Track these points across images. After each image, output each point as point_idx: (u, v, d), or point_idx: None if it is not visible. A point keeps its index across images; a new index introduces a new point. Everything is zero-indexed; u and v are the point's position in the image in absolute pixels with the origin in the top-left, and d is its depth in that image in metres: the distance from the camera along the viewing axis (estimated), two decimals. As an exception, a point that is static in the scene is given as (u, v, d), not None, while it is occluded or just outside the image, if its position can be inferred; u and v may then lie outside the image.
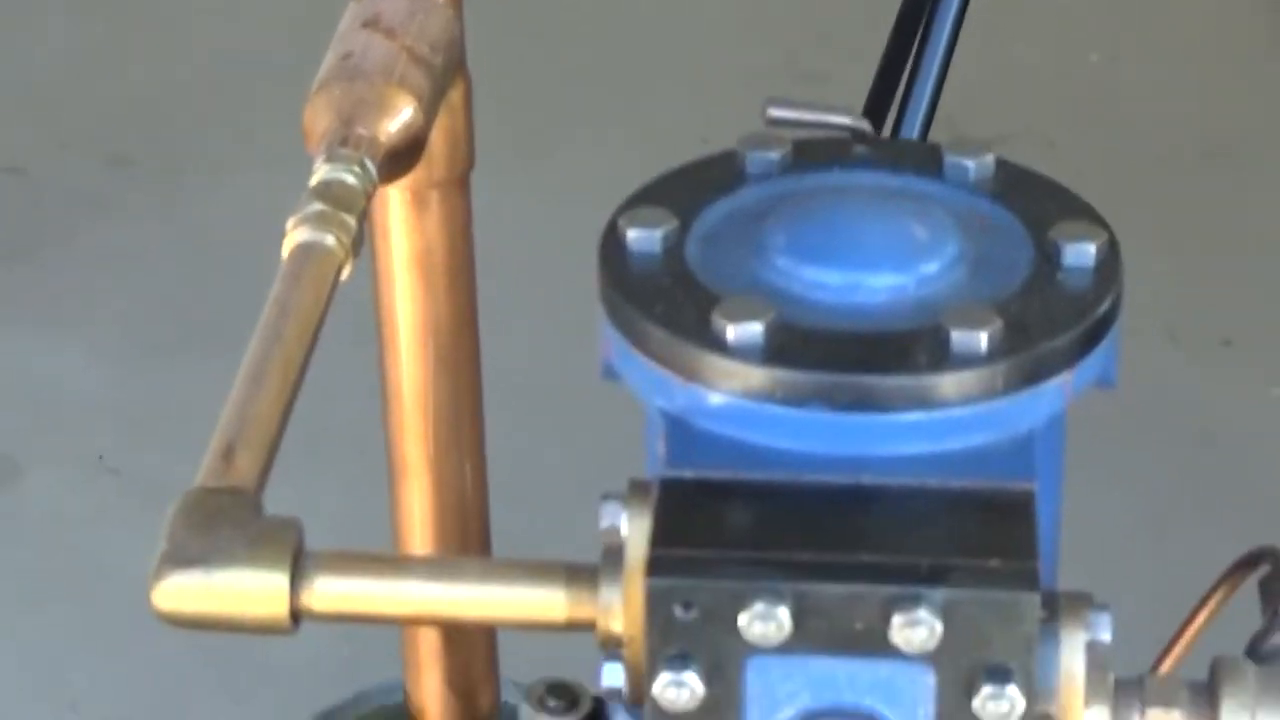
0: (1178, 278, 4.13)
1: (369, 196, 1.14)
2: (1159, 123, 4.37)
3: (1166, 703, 0.95)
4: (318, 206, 1.11)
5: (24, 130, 4.67)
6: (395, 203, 1.37)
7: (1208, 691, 0.95)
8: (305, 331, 1.06)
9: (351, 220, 1.12)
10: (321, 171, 1.14)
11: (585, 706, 1.09)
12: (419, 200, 1.37)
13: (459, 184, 1.38)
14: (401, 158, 1.20)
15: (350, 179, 1.14)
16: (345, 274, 1.11)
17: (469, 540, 1.45)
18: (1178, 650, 1.12)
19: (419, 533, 1.44)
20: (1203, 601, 1.14)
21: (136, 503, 3.69)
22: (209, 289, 3.73)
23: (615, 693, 0.97)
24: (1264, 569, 1.08)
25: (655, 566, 0.88)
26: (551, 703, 1.09)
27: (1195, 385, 3.78)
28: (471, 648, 1.47)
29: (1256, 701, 0.94)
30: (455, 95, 1.35)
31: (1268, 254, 4.24)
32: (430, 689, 1.48)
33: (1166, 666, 1.13)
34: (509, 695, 1.48)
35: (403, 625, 1.21)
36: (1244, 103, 4.60)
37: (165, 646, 3.62)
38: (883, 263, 0.98)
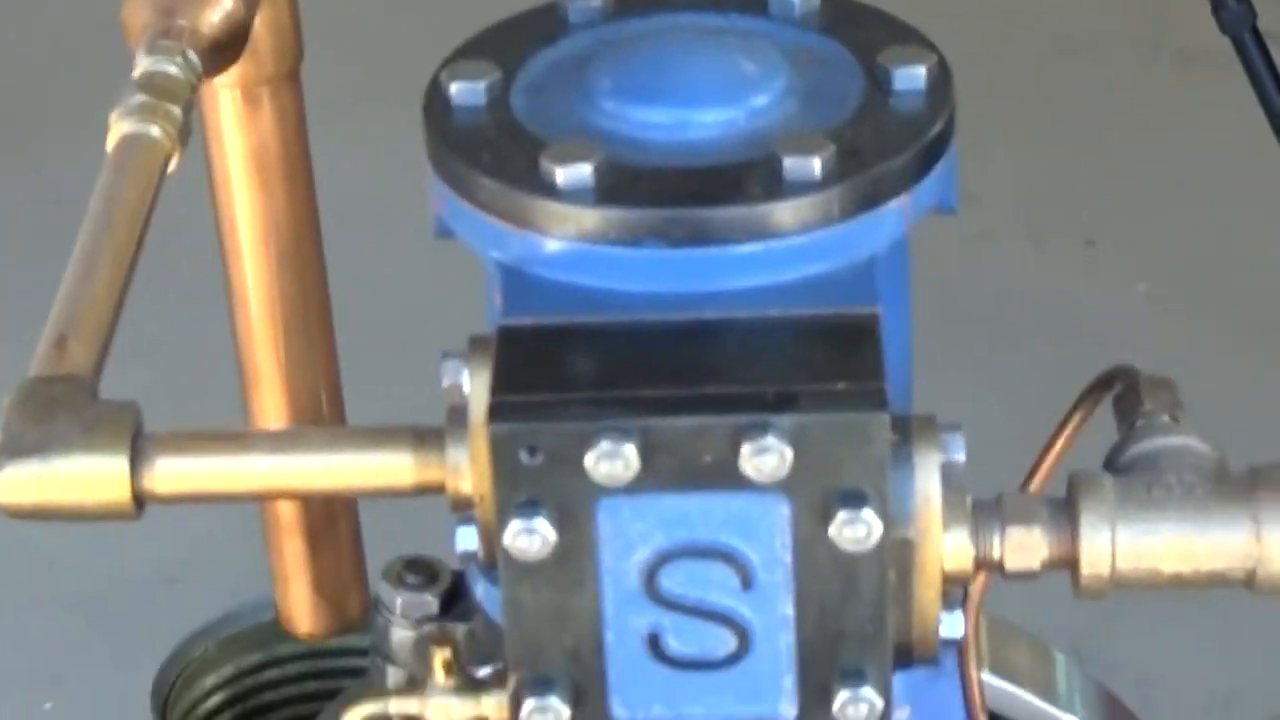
0: (1038, 180, 4.14)
1: (194, 88, 1.12)
2: (1012, 18, 4.37)
3: (1027, 520, 0.94)
4: (140, 98, 1.09)
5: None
6: (226, 101, 1.35)
7: (1067, 506, 0.95)
8: (134, 222, 1.04)
9: (176, 110, 1.09)
10: (143, 64, 1.11)
11: (444, 581, 1.07)
12: (249, 97, 1.34)
13: (289, 79, 1.36)
14: (225, 49, 1.18)
15: (173, 69, 1.12)
16: (173, 165, 1.10)
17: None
18: (1040, 475, 1.11)
19: (273, 438, 1.38)
20: (1061, 424, 1.13)
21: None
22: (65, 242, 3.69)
23: (470, 556, 0.96)
24: (1118, 388, 1.07)
25: (496, 412, 0.86)
26: (410, 578, 1.07)
27: (1060, 286, 3.77)
28: (337, 553, 1.46)
29: (1115, 512, 0.94)
30: None
31: (1128, 154, 4.24)
32: (299, 599, 1.47)
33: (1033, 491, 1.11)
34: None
35: (249, 501, 1.19)
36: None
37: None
38: (710, 98, 0.96)
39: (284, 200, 1.37)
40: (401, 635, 1.07)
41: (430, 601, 1.05)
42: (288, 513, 1.41)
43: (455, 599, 1.06)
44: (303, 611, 1.45)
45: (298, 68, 1.36)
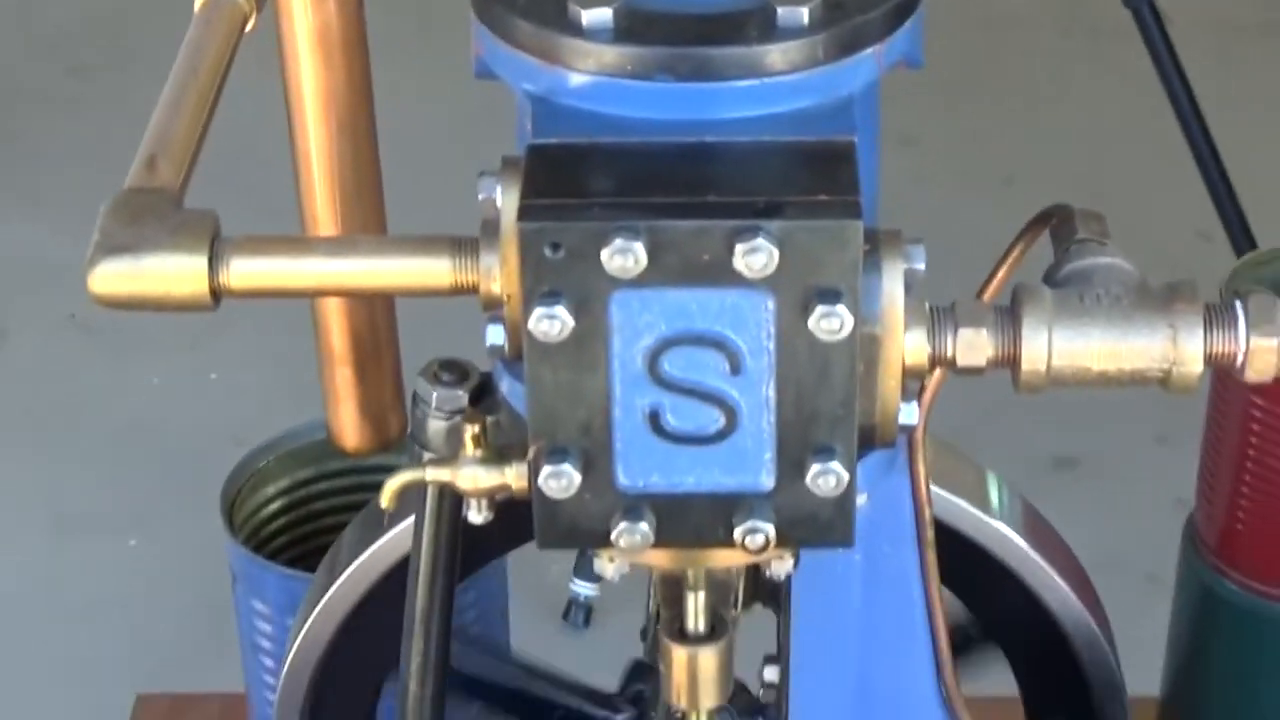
0: (967, 129, 4.12)
1: None
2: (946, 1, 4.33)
3: (975, 322, 0.94)
4: None
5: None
6: None
7: (1010, 312, 0.94)
8: (217, 68, 1.02)
9: None
10: None
11: (473, 379, 1.05)
12: None
13: None
14: None
15: None
16: (249, 26, 1.07)
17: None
18: (988, 294, 1.09)
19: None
20: (1006, 252, 1.11)
21: (105, 355, 3.66)
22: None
23: (498, 350, 0.94)
24: (1055, 221, 1.05)
25: (526, 213, 0.84)
26: (444, 376, 1.05)
27: (981, 216, 3.74)
28: (380, 381, 1.45)
29: (1052, 318, 0.92)
30: None
31: (1044, 110, 4.23)
32: (346, 420, 1.45)
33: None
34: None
35: (308, 297, 1.17)
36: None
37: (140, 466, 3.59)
38: None
39: (343, 72, 1.34)
40: (436, 425, 1.05)
41: (461, 396, 1.03)
42: (339, 344, 1.40)
43: (482, 395, 1.04)
44: (350, 431, 1.44)
45: None
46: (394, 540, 1.24)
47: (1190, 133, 3.05)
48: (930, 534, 1.09)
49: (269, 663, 1.50)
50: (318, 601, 1.29)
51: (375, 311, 1.39)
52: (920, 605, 1.11)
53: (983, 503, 1.25)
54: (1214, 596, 1.56)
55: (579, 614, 2.83)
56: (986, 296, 1.07)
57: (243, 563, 1.48)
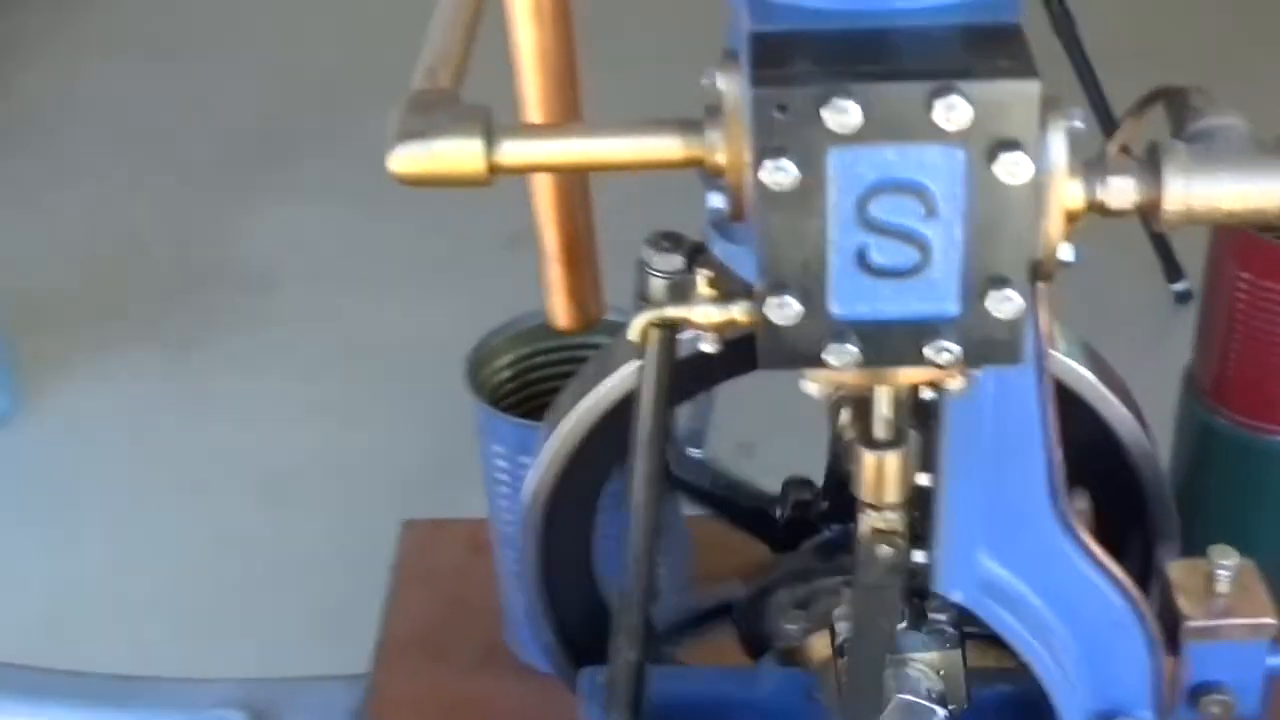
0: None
1: None
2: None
3: (1123, 172, 0.80)
4: None
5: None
6: None
7: (1149, 163, 0.80)
8: None
9: None
10: None
11: (688, 245, 0.92)
12: None
13: None
14: None
15: None
16: None
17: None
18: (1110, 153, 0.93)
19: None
20: (1122, 122, 0.96)
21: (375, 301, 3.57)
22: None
23: (718, 212, 0.82)
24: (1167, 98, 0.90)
25: (758, 80, 0.72)
26: (664, 243, 0.92)
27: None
28: (582, 275, 1.31)
29: (1189, 166, 0.79)
30: None
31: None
32: (558, 306, 1.33)
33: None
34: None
35: (567, 172, 1.04)
36: None
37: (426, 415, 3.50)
38: None
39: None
40: (658, 284, 0.94)
41: (678, 259, 0.91)
42: (551, 246, 1.26)
43: (694, 259, 0.90)
44: (560, 314, 1.33)
45: None
46: (603, 394, 1.15)
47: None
48: (1049, 362, 0.95)
49: (506, 491, 1.39)
50: (547, 442, 1.19)
51: (578, 221, 1.25)
52: (1038, 423, 0.97)
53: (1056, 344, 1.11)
54: (1209, 432, 1.43)
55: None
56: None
57: (484, 416, 1.38)
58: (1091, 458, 1.16)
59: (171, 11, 4.90)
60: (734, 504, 1.24)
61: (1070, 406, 1.10)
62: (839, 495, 1.16)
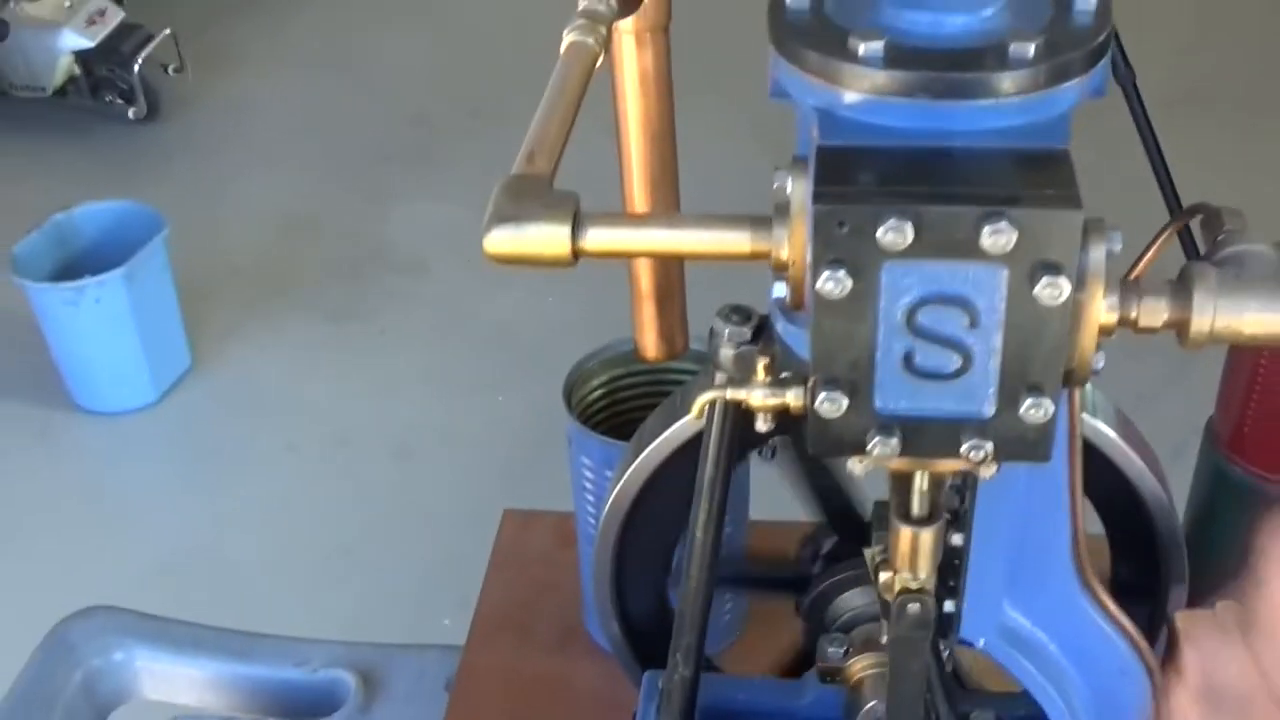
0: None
1: (610, 21, 0.92)
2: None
3: (1156, 293, 0.73)
4: (581, 21, 0.91)
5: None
6: (627, 43, 1.13)
7: (1181, 285, 0.73)
8: (578, 88, 0.85)
9: (602, 30, 0.91)
10: (583, 4, 0.93)
11: (754, 320, 0.87)
12: (639, 40, 1.13)
13: (663, 30, 1.14)
14: (629, 5, 0.98)
15: (601, 8, 0.93)
16: (598, 63, 0.90)
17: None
18: (1139, 270, 0.86)
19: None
20: (1155, 237, 0.89)
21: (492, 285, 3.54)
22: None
23: (780, 301, 0.79)
24: (1201, 216, 0.83)
25: (820, 198, 0.66)
26: (734, 316, 0.88)
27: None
28: (671, 312, 1.28)
29: (1218, 291, 0.72)
30: None
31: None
32: (648, 338, 1.32)
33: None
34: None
35: (647, 257, 1.01)
36: None
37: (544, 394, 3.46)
38: (958, 6, 0.72)
39: (655, 103, 1.17)
40: (726, 352, 0.89)
41: (745, 332, 0.88)
42: (645, 285, 1.23)
43: (759, 333, 0.87)
44: (649, 346, 1.31)
45: (668, 23, 1.14)
46: (682, 428, 1.08)
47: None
48: (1079, 444, 0.88)
49: (590, 498, 1.36)
50: (630, 465, 1.13)
51: (669, 265, 1.23)
52: (1065, 495, 0.91)
53: (1087, 407, 1.05)
54: (1224, 479, 1.35)
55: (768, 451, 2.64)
56: (1137, 274, 0.85)
57: (575, 431, 1.33)
58: (1111, 508, 1.11)
59: (344, 31, 4.91)
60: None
61: (1094, 461, 1.04)
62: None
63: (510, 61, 4.07)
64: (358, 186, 4.11)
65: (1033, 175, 0.66)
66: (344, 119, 4.42)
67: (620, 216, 0.74)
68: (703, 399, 0.81)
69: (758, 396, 0.77)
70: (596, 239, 0.73)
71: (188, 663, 1.47)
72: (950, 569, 0.92)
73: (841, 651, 1.05)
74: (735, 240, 0.73)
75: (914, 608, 0.81)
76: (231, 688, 1.47)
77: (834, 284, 0.65)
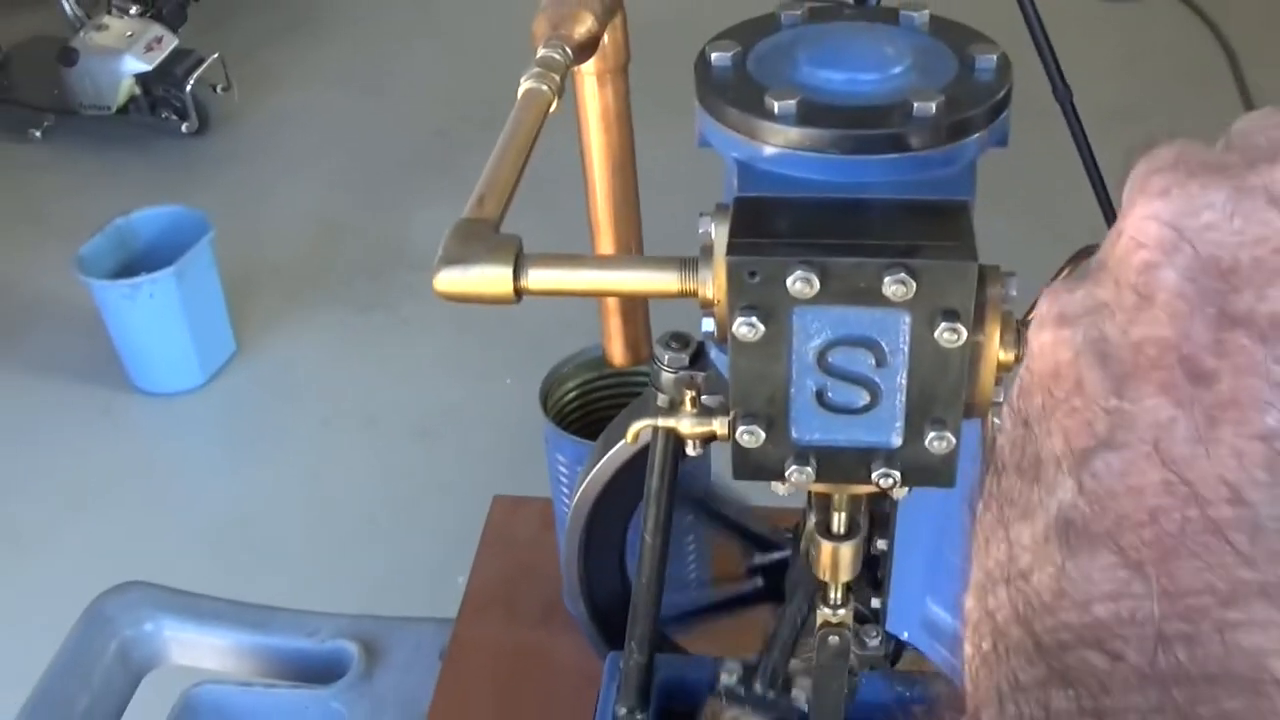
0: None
1: (567, 69, 0.88)
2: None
3: None
4: (538, 70, 0.86)
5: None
6: (588, 82, 1.10)
7: None
8: (529, 135, 0.81)
9: (557, 79, 0.86)
10: (541, 53, 0.88)
11: (693, 347, 0.84)
12: (600, 80, 1.09)
13: (622, 71, 1.10)
14: (586, 49, 0.93)
15: (557, 56, 0.88)
16: (553, 109, 0.85)
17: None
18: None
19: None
20: (1054, 277, 0.85)
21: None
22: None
23: (710, 335, 0.73)
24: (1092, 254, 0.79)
25: (732, 249, 0.63)
26: (673, 343, 0.84)
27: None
28: (635, 324, 1.28)
29: None
30: (618, 18, 1.06)
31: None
32: (615, 346, 1.29)
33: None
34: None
35: (582, 296, 0.98)
36: None
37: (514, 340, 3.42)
38: (869, 67, 0.69)
39: (616, 138, 1.13)
40: (666, 376, 0.86)
41: (683, 358, 0.85)
42: (611, 299, 1.24)
43: (698, 358, 0.85)
44: (617, 353, 1.30)
45: (626, 65, 1.10)
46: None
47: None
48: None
49: (565, 490, 1.34)
50: (595, 463, 1.10)
51: None
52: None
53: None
54: None
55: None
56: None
57: (550, 432, 1.30)
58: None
59: (371, 54, 4.86)
60: (747, 530, 1.15)
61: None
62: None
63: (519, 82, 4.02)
64: (383, 193, 4.06)
65: (932, 227, 0.62)
66: (371, 133, 4.37)
67: (559, 258, 0.71)
68: (635, 427, 0.78)
69: (685, 425, 0.73)
70: (538, 279, 0.70)
71: (210, 633, 1.45)
72: (876, 569, 0.89)
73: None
74: (664, 280, 0.69)
75: (834, 640, 0.78)
76: (249, 655, 1.45)
77: (748, 328, 0.62)
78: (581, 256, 0.71)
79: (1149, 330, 0.34)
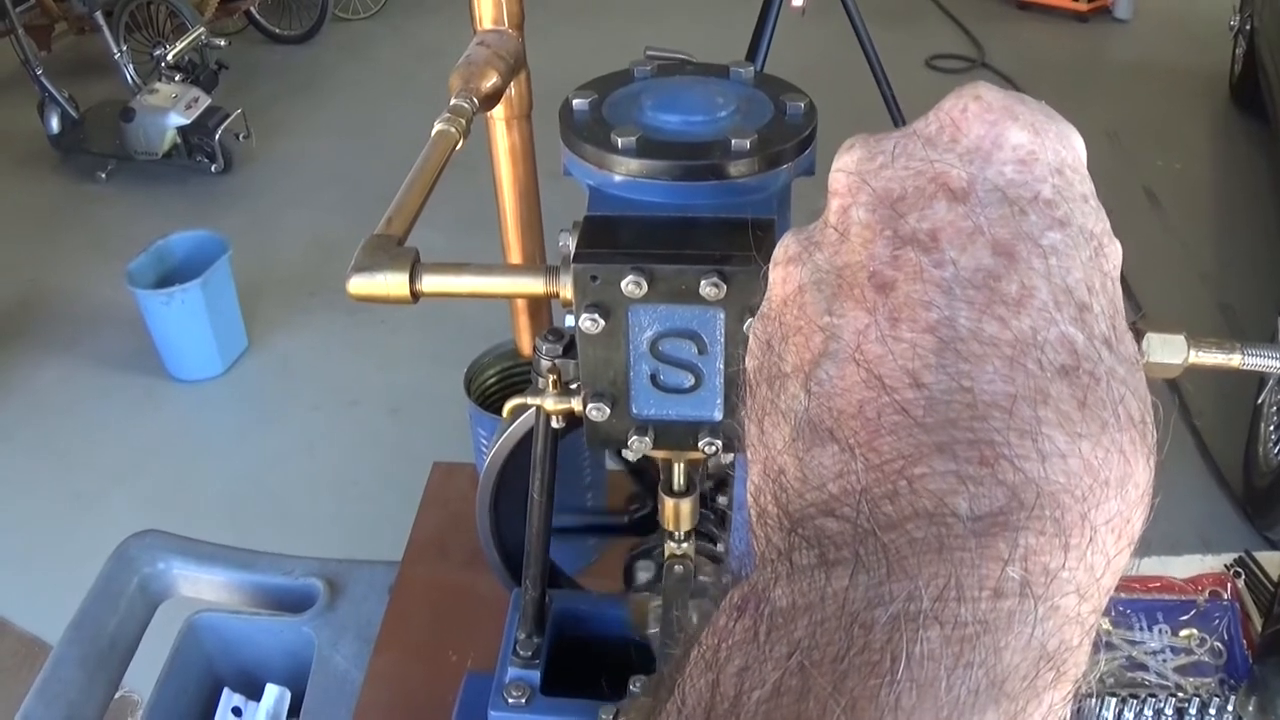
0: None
1: (473, 115, 0.83)
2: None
3: None
4: (448, 115, 0.81)
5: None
6: (499, 127, 1.05)
7: None
8: (436, 168, 0.76)
9: (464, 123, 0.81)
10: (453, 102, 0.83)
11: (565, 338, 0.80)
12: (508, 124, 1.05)
13: (525, 118, 1.06)
14: (491, 99, 0.89)
15: (465, 105, 0.83)
16: (459, 147, 0.80)
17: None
18: None
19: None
20: None
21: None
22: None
23: (571, 329, 0.69)
24: None
25: (578, 258, 0.60)
26: (549, 336, 0.80)
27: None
28: (540, 320, 1.23)
29: None
30: (522, 74, 1.02)
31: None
32: (524, 340, 1.27)
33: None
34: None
35: (469, 298, 0.94)
36: None
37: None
38: (699, 111, 0.66)
39: (522, 171, 1.09)
40: (545, 363, 0.81)
41: (557, 348, 0.79)
42: (520, 304, 1.20)
43: (570, 348, 0.78)
44: (525, 344, 1.29)
45: (529, 113, 1.06)
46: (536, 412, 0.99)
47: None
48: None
49: (485, 459, 1.26)
50: (501, 434, 1.04)
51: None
52: None
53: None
54: None
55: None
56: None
57: (473, 410, 1.26)
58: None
59: (364, 110, 4.77)
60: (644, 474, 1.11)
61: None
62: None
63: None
64: (370, 220, 3.95)
65: (744, 240, 0.59)
66: (360, 172, 4.28)
67: (448, 266, 0.66)
68: (510, 404, 0.74)
69: (549, 403, 0.70)
70: (430, 284, 0.66)
71: (208, 571, 1.40)
72: (721, 519, 0.86)
73: (650, 576, 0.98)
74: (533, 284, 0.65)
75: (679, 569, 0.75)
76: (238, 589, 1.40)
77: (591, 323, 0.58)
78: (466, 265, 0.66)
79: (847, 257, 0.34)
